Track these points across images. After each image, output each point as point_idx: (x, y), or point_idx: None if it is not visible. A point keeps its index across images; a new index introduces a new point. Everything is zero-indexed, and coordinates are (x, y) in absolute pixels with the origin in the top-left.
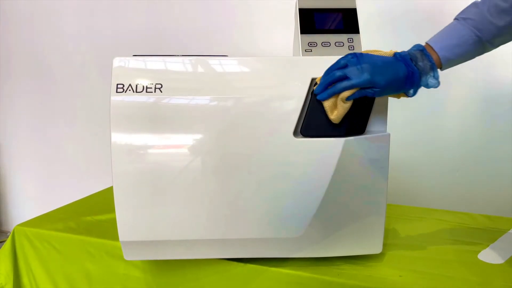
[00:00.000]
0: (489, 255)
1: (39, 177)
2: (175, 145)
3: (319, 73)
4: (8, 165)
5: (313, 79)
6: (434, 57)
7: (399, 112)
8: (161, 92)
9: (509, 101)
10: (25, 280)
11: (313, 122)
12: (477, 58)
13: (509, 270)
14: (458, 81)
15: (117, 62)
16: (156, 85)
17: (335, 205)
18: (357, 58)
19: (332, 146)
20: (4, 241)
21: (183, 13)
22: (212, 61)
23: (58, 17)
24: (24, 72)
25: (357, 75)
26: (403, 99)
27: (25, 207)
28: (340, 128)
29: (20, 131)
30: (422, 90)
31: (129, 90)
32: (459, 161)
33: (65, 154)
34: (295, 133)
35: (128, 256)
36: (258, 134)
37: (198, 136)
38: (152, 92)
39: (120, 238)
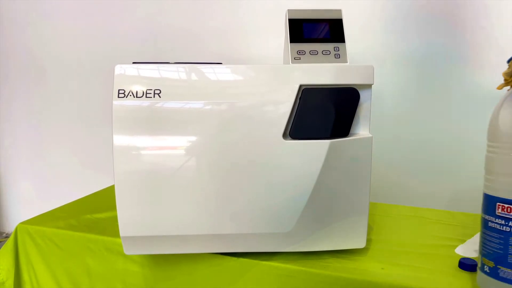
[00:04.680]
0: (465, 249)
1: (36, 178)
2: (172, 146)
3: (307, 80)
4: (5, 166)
5: (301, 85)
6: None
7: (386, 112)
8: (160, 97)
9: (492, 103)
10: (25, 276)
11: (301, 125)
12: (468, 60)
13: None
14: (445, 81)
15: (118, 69)
16: (155, 90)
17: (322, 202)
18: None
19: (319, 147)
20: (2, 241)
21: (178, 17)
22: (207, 68)
23: (55, 19)
24: (21, 73)
25: None
26: (384, 99)
27: (22, 208)
28: (326, 130)
29: (17, 132)
30: (409, 90)
31: (130, 95)
32: (443, 162)
33: (62, 155)
34: (284, 136)
35: (128, 251)
36: (250, 136)
37: (194, 138)
38: (151, 97)
39: (121, 234)
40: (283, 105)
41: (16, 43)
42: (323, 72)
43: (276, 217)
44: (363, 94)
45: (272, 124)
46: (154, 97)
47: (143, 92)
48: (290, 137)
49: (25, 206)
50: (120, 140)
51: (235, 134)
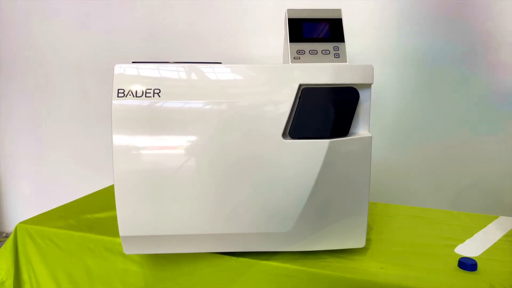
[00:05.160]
0: (465, 249)
1: (36, 178)
2: (172, 146)
3: (306, 79)
4: (5, 166)
5: (300, 85)
6: None
7: (387, 112)
8: (159, 96)
9: (491, 103)
10: (25, 276)
11: (300, 125)
12: (471, 60)
13: (481, 262)
14: (448, 81)
15: (117, 69)
16: (155, 90)
17: (321, 202)
18: None
19: (318, 147)
20: (1, 241)
21: (178, 17)
22: (207, 68)
23: (54, 19)
24: (21, 73)
25: None
26: (385, 99)
27: (22, 207)
28: (325, 130)
29: (16, 132)
30: (411, 90)
31: (129, 95)
32: (443, 162)
33: (61, 155)
34: (283, 135)
35: (127, 251)
36: (250, 136)
37: (193, 138)
38: (150, 96)
39: (120, 233)
40: (283, 105)
41: (15, 42)
42: (322, 71)
43: (276, 217)
44: (362, 94)
45: (272, 124)
46: (153, 96)
47: (143, 92)
48: (290, 136)
49: (25, 206)
50: (119, 139)
51: (234, 134)
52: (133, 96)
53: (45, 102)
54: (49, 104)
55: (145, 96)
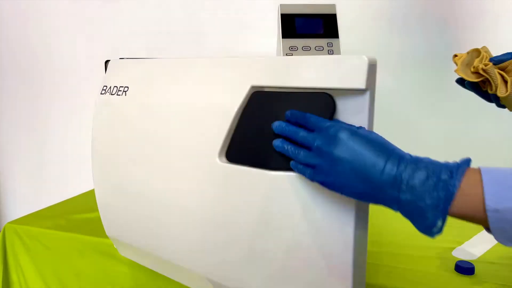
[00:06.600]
0: (463, 252)
1: (30, 177)
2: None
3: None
4: (2, 166)
5: (252, 87)
6: (475, 199)
7: (385, 111)
8: (126, 95)
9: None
10: (13, 276)
11: (241, 145)
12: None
13: (478, 266)
14: (444, 80)
15: (107, 65)
16: (125, 87)
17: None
18: (330, 159)
19: (258, 178)
20: None
21: (175, 14)
22: (192, 62)
23: (51, 17)
24: (17, 71)
25: (314, 172)
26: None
27: (16, 207)
28: (277, 157)
29: (11, 131)
30: (409, 89)
31: (108, 91)
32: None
33: (55, 155)
34: (220, 156)
35: (122, 252)
36: (182, 152)
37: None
38: (121, 94)
39: (107, 233)
40: (225, 114)
41: (11, 40)
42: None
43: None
44: (352, 99)
45: (207, 139)
46: (127, 93)
47: (117, 88)
48: (227, 159)
49: (23, 206)
50: (97, 139)
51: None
52: (110, 94)
53: (40, 103)
54: (43, 105)
55: (117, 95)
